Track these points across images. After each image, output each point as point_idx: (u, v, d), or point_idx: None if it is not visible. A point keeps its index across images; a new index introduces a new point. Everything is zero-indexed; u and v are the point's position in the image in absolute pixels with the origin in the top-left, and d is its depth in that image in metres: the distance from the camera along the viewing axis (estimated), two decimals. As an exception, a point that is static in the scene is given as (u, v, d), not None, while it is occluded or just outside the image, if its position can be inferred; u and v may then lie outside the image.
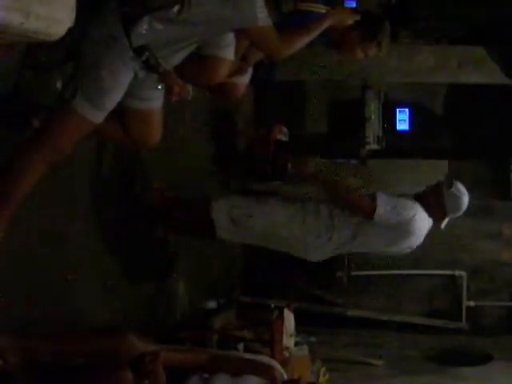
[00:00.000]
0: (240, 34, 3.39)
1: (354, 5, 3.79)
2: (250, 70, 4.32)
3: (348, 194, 4.69)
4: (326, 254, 4.70)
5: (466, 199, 4.53)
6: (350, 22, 3.69)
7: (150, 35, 2.96)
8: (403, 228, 4.47)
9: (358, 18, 3.72)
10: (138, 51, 2.98)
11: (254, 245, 4.83)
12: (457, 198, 4.51)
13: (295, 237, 4.58)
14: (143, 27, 2.95)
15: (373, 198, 4.46)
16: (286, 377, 3.57)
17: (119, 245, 4.48)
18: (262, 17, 3.03)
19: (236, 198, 4.85)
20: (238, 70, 4.16)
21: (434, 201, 4.54)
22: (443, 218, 4.57)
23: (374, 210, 4.41)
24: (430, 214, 4.53)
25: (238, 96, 4.45)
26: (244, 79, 4.35)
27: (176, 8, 2.93)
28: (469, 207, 4.58)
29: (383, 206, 4.42)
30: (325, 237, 4.56)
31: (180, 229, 5.02)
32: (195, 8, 2.94)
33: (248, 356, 4.12)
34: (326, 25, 3.51)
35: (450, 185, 4.54)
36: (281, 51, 3.28)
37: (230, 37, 3.65)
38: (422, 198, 4.57)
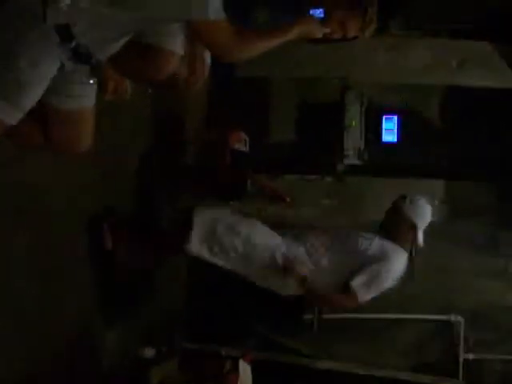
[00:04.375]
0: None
1: (322, 14, 3.80)
2: (208, 60, 4.28)
3: (330, 300, 5.46)
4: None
5: (424, 204, 5.47)
6: (319, 35, 3.68)
7: (72, 13, 2.86)
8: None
9: (327, 30, 3.73)
10: (64, 35, 2.90)
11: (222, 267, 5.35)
12: (416, 207, 5.40)
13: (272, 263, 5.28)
14: (64, 2, 2.86)
15: (351, 294, 5.24)
16: None
17: (41, 284, 4.44)
18: (215, 8, 2.92)
19: (221, 211, 5.52)
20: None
21: (398, 220, 5.42)
22: (415, 234, 5.37)
23: (357, 300, 5.26)
24: (402, 237, 5.40)
25: (192, 91, 4.44)
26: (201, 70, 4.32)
27: None
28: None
29: (364, 292, 5.26)
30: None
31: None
32: None
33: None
34: (291, 36, 3.42)
35: (404, 198, 5.44)
36: (234, 55, 3.20)
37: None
38: (386, 225, 5.52)
